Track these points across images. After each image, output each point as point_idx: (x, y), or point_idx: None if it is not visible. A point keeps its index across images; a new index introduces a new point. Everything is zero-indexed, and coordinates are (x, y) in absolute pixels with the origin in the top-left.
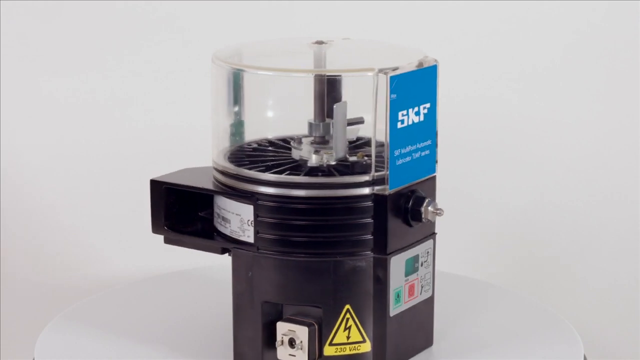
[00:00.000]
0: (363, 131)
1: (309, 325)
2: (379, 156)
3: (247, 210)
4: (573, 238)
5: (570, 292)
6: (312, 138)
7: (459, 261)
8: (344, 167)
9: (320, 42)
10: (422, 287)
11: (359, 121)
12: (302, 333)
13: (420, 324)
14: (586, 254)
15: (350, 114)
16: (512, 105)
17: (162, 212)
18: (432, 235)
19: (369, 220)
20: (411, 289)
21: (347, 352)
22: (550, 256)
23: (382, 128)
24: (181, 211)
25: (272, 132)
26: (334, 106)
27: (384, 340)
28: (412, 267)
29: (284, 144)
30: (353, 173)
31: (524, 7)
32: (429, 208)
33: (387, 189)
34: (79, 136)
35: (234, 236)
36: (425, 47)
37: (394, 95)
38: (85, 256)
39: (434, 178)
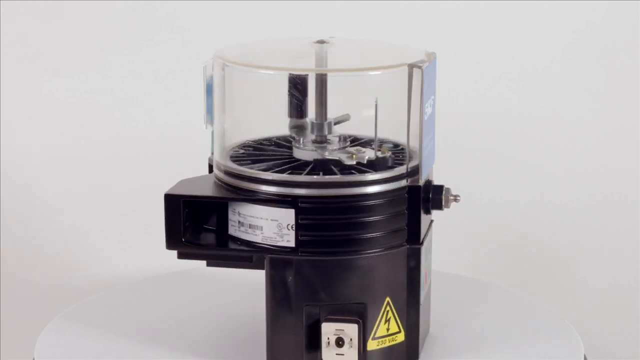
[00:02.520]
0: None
1: (357, 322)
2: (400, 150)
3: (286, 215)
4: (573, 238)
5: (570, 292)
6: (312, 137)
7: (459, 261)
8: (373, 164)
9: (321, 42)
10: (427, 273)
11: (346, 119)
12: (351, 330)
13: (428, 309)
14: (586, 254)
15: (355, 112)
16: (512, 105)
17: (179, 226)
18: (432, 222)
19: (405, 211)
20: (425, 277)
21: (387, 344)
22: (550, 256)
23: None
24: (192, 224)
25: (269, 132)
26: (375, 103)
27: (416, 327)
28: (427, 255)
29: (284, 144)
30: (384, 168)
31: (524, 7)
32: (449, 196)
33: (418, 180)
34: (79, 136)
35: (268, 242)
36: (425, 47)
37: (425, 88)
38: (85, 256)
39: (432, 167)
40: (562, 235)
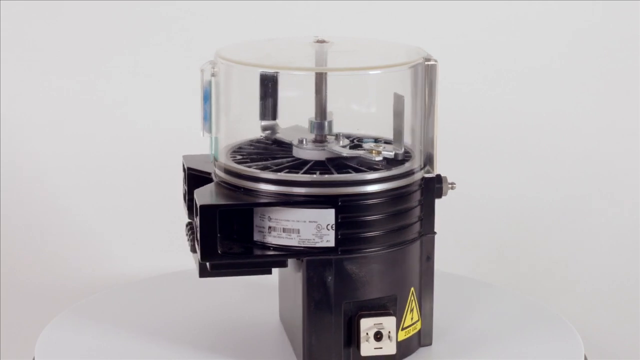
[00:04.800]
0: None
1: (394, 314)
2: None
3: (325, 215)
4: (572, 238)
5: (570, 292)
6: (313, 136)
7: (459, 261)
8: (392, 159)
9: (321, 41)
10: None
11: (328, 117)
12: (389, 323)
13: None
14: (586, 254)
15: (353, 110)
16: (513, 105)
17: (215, 238)
18: None
19: (422, 202)
20: None
21: (411, 333)
22: (549, 256)
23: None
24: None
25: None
26: (402, 101)
27: (431, 314)
28: None
29: (271, 144)
30: (397, 163)
31: (524, 7)
32: (448, 185)
33: (430, 171)
34: (79, 137)
35: (305, 245)
36: (425, 47)
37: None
38: (86, 256)
39: None
40: (562, 235)
